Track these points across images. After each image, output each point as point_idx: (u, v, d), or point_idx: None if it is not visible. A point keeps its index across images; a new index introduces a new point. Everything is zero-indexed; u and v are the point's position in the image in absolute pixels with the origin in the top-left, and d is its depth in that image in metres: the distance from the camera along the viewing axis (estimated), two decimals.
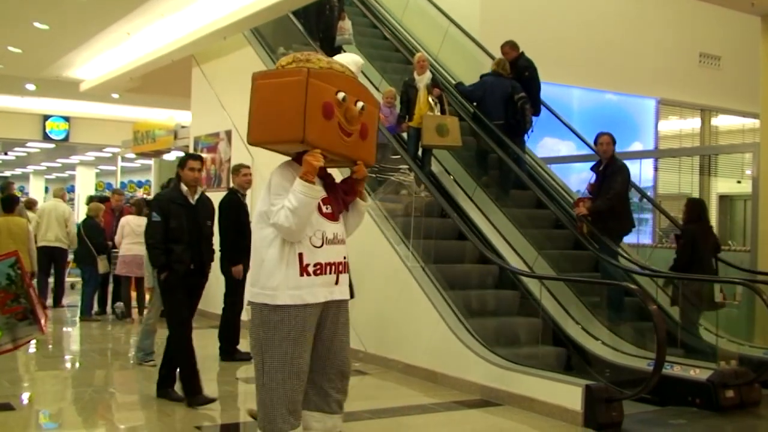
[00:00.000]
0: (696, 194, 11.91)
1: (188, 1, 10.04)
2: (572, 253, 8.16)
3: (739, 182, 11.35)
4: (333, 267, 3.70)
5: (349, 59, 3.95)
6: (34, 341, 7.40)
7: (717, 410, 6.10)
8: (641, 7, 12.47)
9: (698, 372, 6.39)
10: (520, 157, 8.80)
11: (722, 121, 14.67)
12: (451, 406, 6.05)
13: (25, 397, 6.58)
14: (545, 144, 11.11)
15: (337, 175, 4.18)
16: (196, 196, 5.97)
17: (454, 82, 9.86)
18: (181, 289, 5.88)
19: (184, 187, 5.91)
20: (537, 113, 9.10)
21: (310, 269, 3.62)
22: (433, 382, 6.80)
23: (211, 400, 5.93)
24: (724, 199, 12.53)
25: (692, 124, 14.29)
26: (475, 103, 9.16)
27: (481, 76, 9.09)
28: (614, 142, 7.69)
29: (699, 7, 12.38)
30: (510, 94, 8.72)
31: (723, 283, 7.64)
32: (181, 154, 16.39)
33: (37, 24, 11.02)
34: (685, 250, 7.56)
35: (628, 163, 8.12)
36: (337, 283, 3.74)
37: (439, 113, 8.37)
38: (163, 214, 5.85)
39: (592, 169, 7.89)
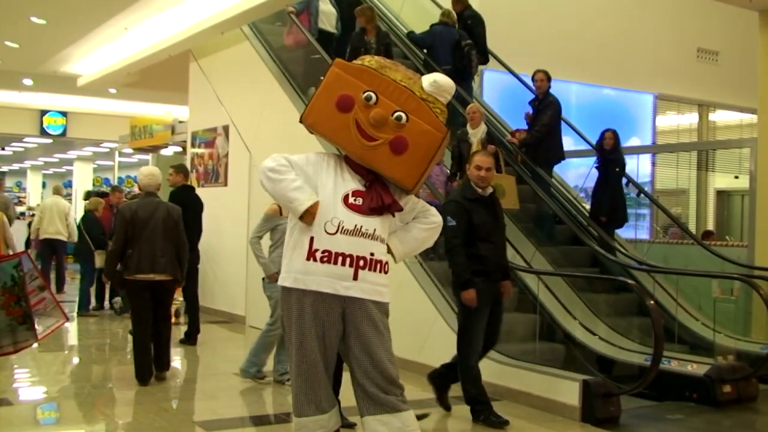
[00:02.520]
0: (694, 189, 11.94)
1: None
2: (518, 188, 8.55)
3: (736, 177, 11.37)
4: (349, 259, 3.51)
5: (433, 77, 3.69)
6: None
7: (714, 405, 6.12)
8: (639, 2, 12.46)
9: (696, 367, 6.42)
10: (466, 100, 8.95)
11: (720, 117, 14.68)
12: (450, 402, 6.04)
13: (23, 392, 6.60)
14: None
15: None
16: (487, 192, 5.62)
17: (405, 30, 10.24)
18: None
19: (477, 189, 5.53)
20: (485, 62, 9.68)
21: (318, 255, 3.50)
22: None
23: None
24: (722, 195, 12.56)
25: (690, 119, 14.29)
26: (425, 50, 9.58)
27: (431, 26, 9.49)
28: (549, 79, 8.54)
29: (697, 2, 12.41)
30: (457, 41, 9.22)
31: (720, 278, 7.64)
32: (178, 149, 16.49)
33: (34, 19, 11.00)
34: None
35: (625, 157, 8.45)
36: (356, 278, 3.54)
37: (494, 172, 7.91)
38: (460, 214, 5.42)
39: (529, 103, 8.77)
